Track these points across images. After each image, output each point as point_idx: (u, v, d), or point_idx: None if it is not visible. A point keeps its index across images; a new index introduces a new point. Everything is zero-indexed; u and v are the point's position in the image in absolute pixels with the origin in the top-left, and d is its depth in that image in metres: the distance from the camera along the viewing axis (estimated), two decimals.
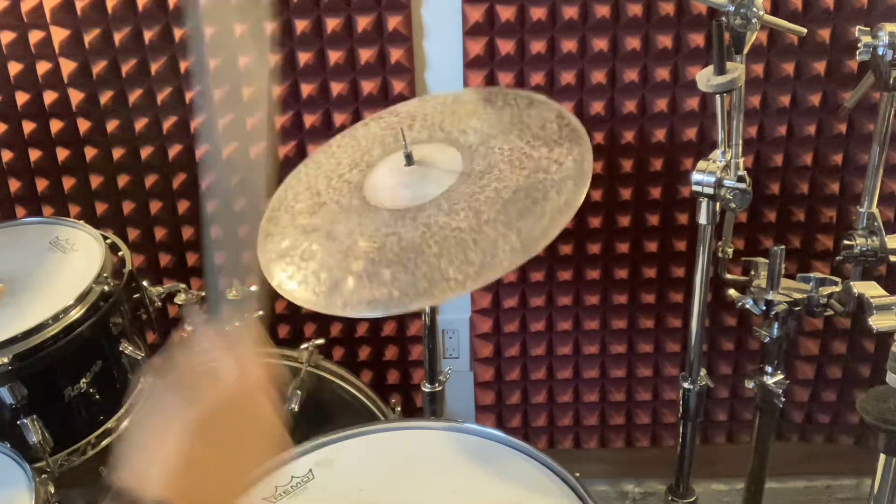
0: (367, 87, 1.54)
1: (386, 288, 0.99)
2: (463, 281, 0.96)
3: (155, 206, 1.66)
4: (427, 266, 0.99)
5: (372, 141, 1.27)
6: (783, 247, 1.18)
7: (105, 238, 1.36)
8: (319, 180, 1.22)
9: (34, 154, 1.62)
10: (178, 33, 1.51)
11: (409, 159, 1.15)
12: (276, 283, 1.08)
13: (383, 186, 1.15)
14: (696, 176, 1.10)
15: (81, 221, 1.42)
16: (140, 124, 1.59)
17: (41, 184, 1.65)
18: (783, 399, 1.26)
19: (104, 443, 1.28)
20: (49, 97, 1.57)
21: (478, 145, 1.15)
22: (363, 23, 1.49)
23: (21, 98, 1.57)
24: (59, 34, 1.51)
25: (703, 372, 1.26)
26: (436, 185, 1.10)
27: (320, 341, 1.54)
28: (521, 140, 1.13)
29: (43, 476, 1.09)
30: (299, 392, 1.39)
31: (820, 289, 1.19)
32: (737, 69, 1.02)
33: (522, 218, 1.00)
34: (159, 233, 1.69)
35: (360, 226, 1.09)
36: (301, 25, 1.50)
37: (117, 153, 1.62)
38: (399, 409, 1.59)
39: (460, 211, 1.04)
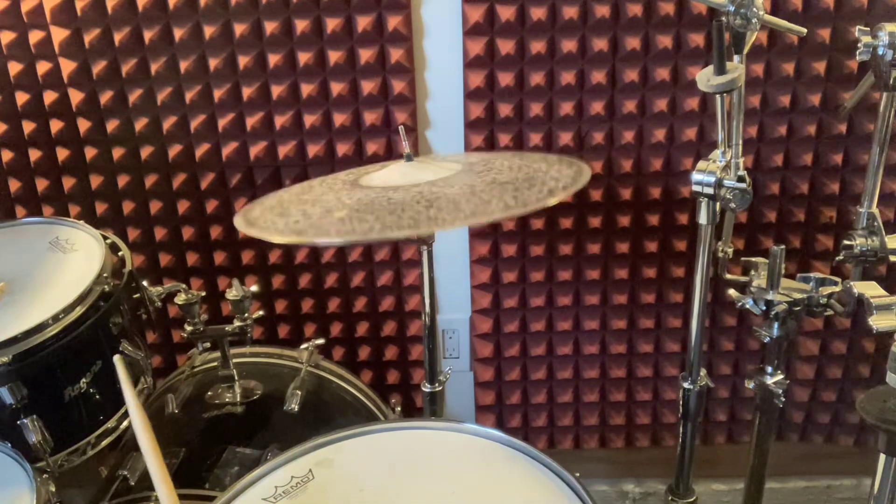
0: (367, 87, 1.54)
1: (367, 224, 0.95)
2: (451, 220, 0.93)
3: (155, 206, 1.66)
4: (413, 212, 0.95)
5: (374, 166, 1.28)
6: (783, 247, 1.18)
7: (105, 238, 1.35)
8: (314, 182, 1.22)
9: (34, 154, 1.63)
10: (178, 33, 1.51)
11: (409, 157, 1.15)
12: (251, 232, 1.03)
13: (378, 177, 1.15)
14: (696, 176, 1.10)
15: (81, 221, 1.41)
16: (140, 124, 1.59)
17: (41, 184, 1.65)
18: (783, 399, 1.26)
19: (104, 443, 1.28)
20: (49, 97, 1.57)
21: (478, 162, 1.16)
22: (363, 23, 1.49)
23: (21, 98, 1.57)
24: (59, 34, 1.51)
25: (703, 372, 1.26)
26: (433, 174, 1.10)
27: (320, 341, 1.55)
28: (521, 160, 1.15)
29: (44, 476, 1.09)
30: (299, 392, 1.39)
31: (820, 289, 1.19)
32: (737, 69, 1.02)
33: (518, 191, 1.00)
34: (159, 233, 1.69)
35: (349, 195, 1.07)
36: (301, 25, 1.50)
37: (117, 153, 1.62)
38: (399, 409, 1.59)
39: (455, 185, 1.03)
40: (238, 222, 1.04)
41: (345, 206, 1.02)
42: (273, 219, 1.04)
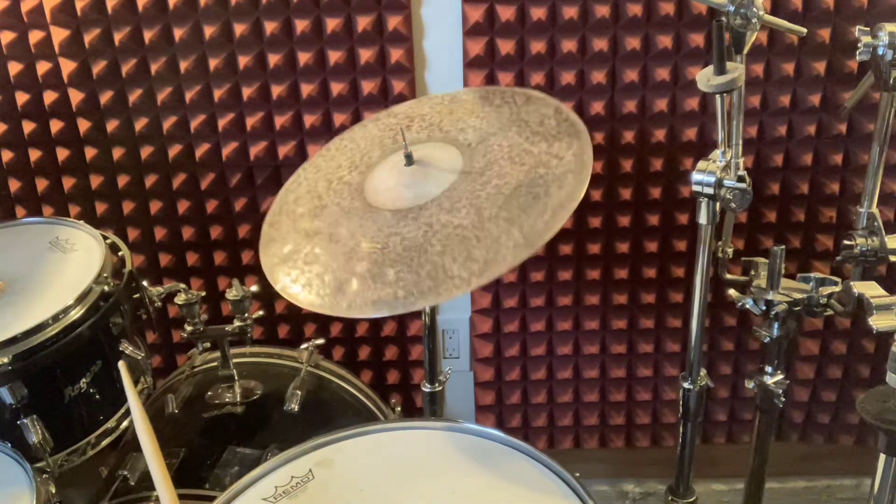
0: (367, 87, 1.54)
1: (391, 288, 0.98)
2: (468, 278, 0.96)
3: (155, 206, 1.66)
4: (431, 265, 0.99)
5: (370, 142, 1.27)
6: (783, 247, 1.18)
7: (105, 238, 1.36)
8: (319, 183, 1.22)
9: (34, 154, 1.62)
10: (177, 33, 1.51)
11: (409, 159, 1.15)
12: (279, 286, 1.08)
13: (384, 188, 1.15)
14: (696, 176, 1.10)
15: (81, 221, 1.41)
16: (140, 124, 1.59)
17: (41, 184, 1.65)
18: (783, 399, 1.26)
19: (104, 443, 1.28)
20: (49, 97, 1.57)
21: (477, 143, 1.15)
22: (363, 23, 1.49)
23: (21, 98, 1.57)
24: (59, 34, 1.51)
25: (703, 372, 1.26)
26: (436, 184, 1.10)
27: (320, 341, 1.54)
28: (520, 136, 1.13)
29: (44, 476, 1.09)
30: (299, 392, 1.39)
31: (820, 289, 1.19)
32: (737, 69, 1.02)
33: (524, 213, 1.00)
34: (159, 233, 1.69)
35: (362, 227, 1.08)
36: (301, 25, 1.50)
37: (117, 153, 1.62)
38: (399, 409, 1.59)
39: (462, 209, 1.04)
40: (266, 264, 1.11)
41: (362, 254, 1.04)
42: (299, 268, 1.08)
